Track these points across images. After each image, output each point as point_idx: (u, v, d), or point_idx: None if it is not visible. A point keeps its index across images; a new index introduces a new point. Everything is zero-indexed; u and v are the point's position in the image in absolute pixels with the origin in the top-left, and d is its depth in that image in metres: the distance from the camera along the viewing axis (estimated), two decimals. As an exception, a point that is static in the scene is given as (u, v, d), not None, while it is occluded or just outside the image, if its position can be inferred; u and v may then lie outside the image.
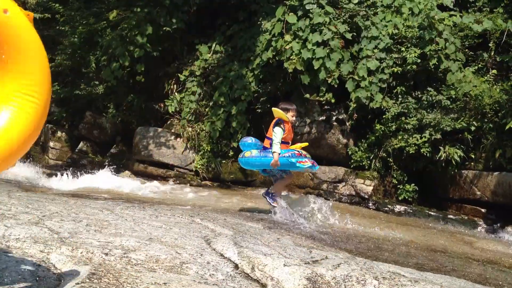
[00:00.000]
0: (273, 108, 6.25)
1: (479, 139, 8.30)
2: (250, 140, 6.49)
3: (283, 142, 6.02)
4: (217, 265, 2.80)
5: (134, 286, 2.18)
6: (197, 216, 4.62)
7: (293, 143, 6.36)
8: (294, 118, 6.29)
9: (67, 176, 8.81)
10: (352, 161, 9.36)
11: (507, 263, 4.84)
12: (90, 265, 2.41)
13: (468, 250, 5.43)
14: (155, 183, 9.68)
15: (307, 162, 5.91)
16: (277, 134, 5.96)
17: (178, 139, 11.07)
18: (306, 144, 6.49)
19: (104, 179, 8.93)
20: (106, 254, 2.64)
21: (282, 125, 6.03)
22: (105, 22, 12.43)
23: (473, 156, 8.34)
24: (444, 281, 2.90)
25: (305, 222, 5.65)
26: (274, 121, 6.15)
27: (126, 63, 11.45)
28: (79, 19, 12.92)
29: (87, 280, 2.15)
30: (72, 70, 13.34)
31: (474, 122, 8.20)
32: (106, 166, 9.85)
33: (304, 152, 6.12)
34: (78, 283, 2.10)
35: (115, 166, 10.92)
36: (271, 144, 5.98)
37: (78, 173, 8.99)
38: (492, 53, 9.03)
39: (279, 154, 5.85)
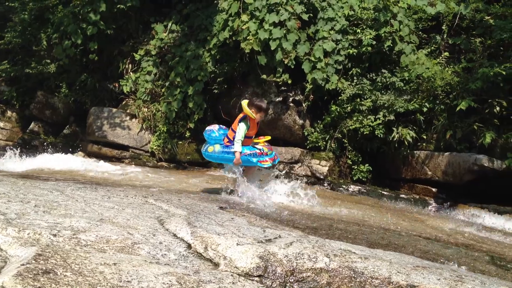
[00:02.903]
0: (242, 103, 6.09)
1: (431, 120, 8.50)
2: (215, 130, 6.29)
3: (247, 137, 5.98)
4: (169, 245, 2.77)
5: (83, 266, 2.14)
6: (151, 197, 4.56)
7: (257, 135, 6.31)
8: (262, 118, 6.22)
9: (17, 157, 8.55)
10: (308, 142, 9.45)
11: (455, 240, 5.00)
12: (37, 246, 2.34)
13: (418, 228, 5.58)
14: (109, 164, 9.51)
15: (267, 162, 5.96)
16: (240, 130, 5.88)
17: (134, 120, 10.90)
18: (268, 137, 6.44)
19: (56, 160, 8.72)
20: (55, 235, 2.57)
21: (247, 121, 5.96)
22: (56, -2, 12.05)
23: (425, 137, 8.55)
24: (393, 258, 2.97)
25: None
26: (242, 115, 6.01)
27: (79, 41, 11.14)
28: (29, -5, 12.47)
29: (33, 261, 2.09)
30: (22, 48, 12.94)
31: (426, 104, 8.39)
32: (58, 147, 9.62)
33: (265, 150, 6.10)
34: (23, 264, 2.04)
35: (68, 147, 10.70)
36: (234, 138, 5.94)
37: (29, 154, 8.74)
38: (445, 36, 9.22)
39: (241, 152, 5.86)
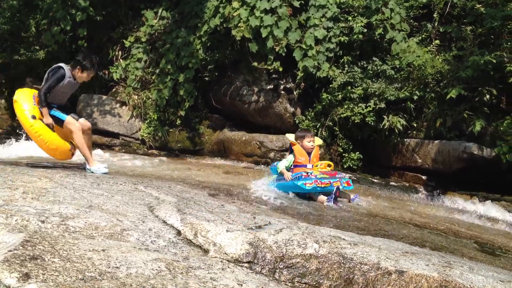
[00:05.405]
0: (286, 135, 6.60)
1: (421, 108, 8.53)
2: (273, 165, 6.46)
3: (299, 165, 5.90)
4: (159, 231, 2.77)
5: (71, 253, 2.12)
6: (141, 183, 4.54)
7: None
8: (311, 144, 5.99)
9: (6, 144, 8.48)
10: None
11: (443, 227, 5.03)
12: (24, 233, 2.32)
13: (408, 215, 5.61)
14: (99, 151, 9.45)
15: (312, 184, 5.47)
16: (283, 161, 6.07)
17: (124, 107, 10.84)
18: (328, 162, 6.07)
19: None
20: (43, 222, 2.55)
21: (293, 150, 6.03)
22: (45, -17, 11.88)
23: (415, 125, 8.58)
24: (382, 244, 2.98)
25: None
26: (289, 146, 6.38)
27: (68, 28, 11.01)
28: (17, -19, 12.32)
29: (21, 247, 2.07)
30: (11, 34, 12.81)
31: (416, 92, 8.40)
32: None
33: (316, 173, 5.70)
34: (10, 250, 2.02)
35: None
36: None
37: (18, 141, 8.67)
38: (436, 24, 9.22)
39: (288, 175, 5.82)
